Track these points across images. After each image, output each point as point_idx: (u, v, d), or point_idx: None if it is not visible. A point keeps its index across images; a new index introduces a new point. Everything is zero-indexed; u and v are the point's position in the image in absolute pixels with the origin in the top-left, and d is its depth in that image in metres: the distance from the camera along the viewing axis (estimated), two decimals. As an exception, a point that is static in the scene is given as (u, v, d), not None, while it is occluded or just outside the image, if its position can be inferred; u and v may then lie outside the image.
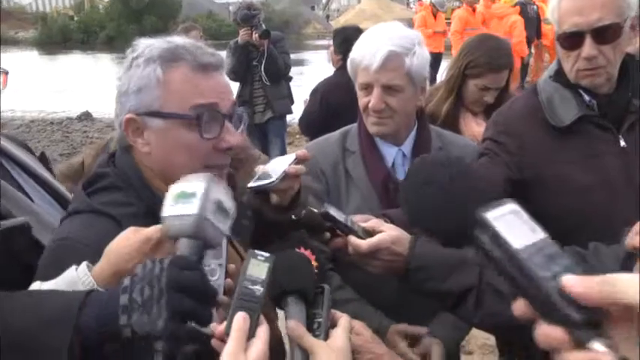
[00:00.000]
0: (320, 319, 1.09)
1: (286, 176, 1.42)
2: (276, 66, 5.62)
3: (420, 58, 1.83)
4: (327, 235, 1.55)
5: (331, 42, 4.85)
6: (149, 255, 1.05)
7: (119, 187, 1.30)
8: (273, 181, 1.39)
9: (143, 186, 1.29)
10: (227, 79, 1.35)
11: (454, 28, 11.01)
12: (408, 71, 1.81)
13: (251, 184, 1.45)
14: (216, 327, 0.97)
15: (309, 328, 1.08)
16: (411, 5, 32.69)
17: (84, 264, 1.09)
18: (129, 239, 1.09)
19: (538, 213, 1.96)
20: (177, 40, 1.32)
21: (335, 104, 4.19)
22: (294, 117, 6.86)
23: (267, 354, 0.95)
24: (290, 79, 6.05)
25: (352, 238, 1.47)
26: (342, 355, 1.05)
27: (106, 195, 1.30)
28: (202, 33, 6.04)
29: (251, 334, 0.95)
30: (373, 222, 1.54)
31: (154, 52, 1.28)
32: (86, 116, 11.54)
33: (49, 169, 1.80)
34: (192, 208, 1.01)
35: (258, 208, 1.50)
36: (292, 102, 6.07)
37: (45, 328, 0.98)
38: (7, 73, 1.50)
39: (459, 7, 13.40)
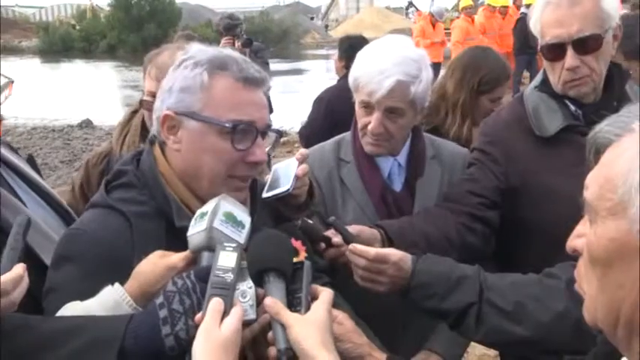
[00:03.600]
0: (300, 295, 1.15)
1: (297, 179, 1.49)
2: None
3: (425, 83, 1.83)
4: (322, 245, 1.60)
5: (330, 51, 4.95)
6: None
7: (135, 185, 1.35)
8: (289, 189, 1.47)
9: (157, 187, 1.33)
10: (264, 96, 1.40)
11: (455, 39, 11.05)
12: (412, 98, 1.82)
13: (266, 195, 1.50)
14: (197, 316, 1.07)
15: (290, 304, 1.13)
16: (410, 15, 32.80)
17: (117, 284, 1.19)
18: (155, 265, 1.19)
19: (527, 222, 1.97)
20: (228, 51, 1.38)
21: (339, 112, 4.22)
22: (292, 126, 6.91)
23: (239, 329, 1.05)
24: (269, 88, 6.17)
25: (359, 246, 1.50)
26: (317, 326, 1.09)
27: (123, 192, 1.35)
28: (201, 42, 6.18)
29: (226, 314, 1.05)
30: (352, 229, 1.58)
31: (204, 56, 1.33)
32: (87, 124, 11.60)
33: (38, 171, 1.81)
34: (204, 223, 1.17)
35: (279, 210, 1.56)
36: (271, 111, 6.14)
37: (93, 350, 1.07)
38: (12, 82, 1.55)
39: (457, 17, 13.49)
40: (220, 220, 1.17)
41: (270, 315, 1.11)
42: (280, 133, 1.51)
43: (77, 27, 32.34)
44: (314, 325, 1.09)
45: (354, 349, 1.35)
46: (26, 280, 1.15)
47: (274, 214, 1.56)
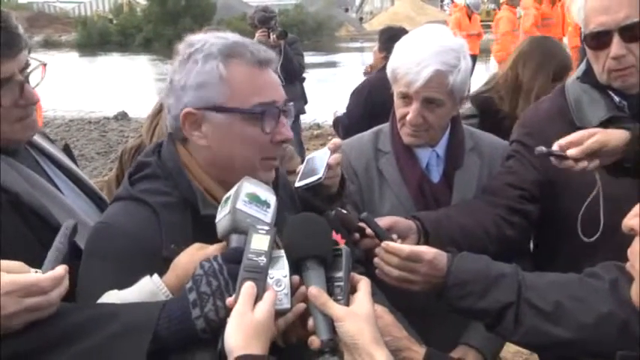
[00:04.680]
0: (341, 283, 1.11)
1: (329, 168, 1.48)
2: (291, 65, 5.83)
3: (464, 73, 1.81)
4: (357, 235, 1.58)
5: (365, 44, 4.96)
6: None
7: (159, 176, 1.34)
8: (320, 177, 1.47)
9: (180, 177, 1.33)
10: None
11: (505, 29, 10.85)
12: (450, 88, 1.80)
13: (299, 184, 1.50)
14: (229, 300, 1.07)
15: (330, 292, 1.10)
16: (445, 7, 32.41)
17: (156, 275, 1.19)
18: (193, 256, 1.19)
19: (566, 215, 1.92)
20: (231, 35, 1.36)
21: (379, 103, 4.20)
22: (326, 119, 6.90)
23: (272, 313, 1.04)
24: (304, 79, 6.22)
25: (392, 244, 1.48)
26: (368, 321, 1.07)
27: (147, 183, 1.35)
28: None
29: (258, 299, 1.05)
30: (387, 220, 1.56)
31: (214, 48, 1.31)
32: (122, 116, 11.82)
33: (74, 160, 1.83)
34: (227, 207, 1.17)
35: (309, 201, 1.55)
36: (306, 102, 6.26)
37: (127, 335, 1.08)
38: (45, 64, 1.55)
39: (494, 9, 13.24)
40: (243, 201, 1.17)
41: (316, 305, 1.09)
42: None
43: (114, 21, 32.97)
44: (366, 321, 1.07)
45: (393, 343, 1.32)
46: (66, 283, 1.14)
47: (301, 205, 1.55)
